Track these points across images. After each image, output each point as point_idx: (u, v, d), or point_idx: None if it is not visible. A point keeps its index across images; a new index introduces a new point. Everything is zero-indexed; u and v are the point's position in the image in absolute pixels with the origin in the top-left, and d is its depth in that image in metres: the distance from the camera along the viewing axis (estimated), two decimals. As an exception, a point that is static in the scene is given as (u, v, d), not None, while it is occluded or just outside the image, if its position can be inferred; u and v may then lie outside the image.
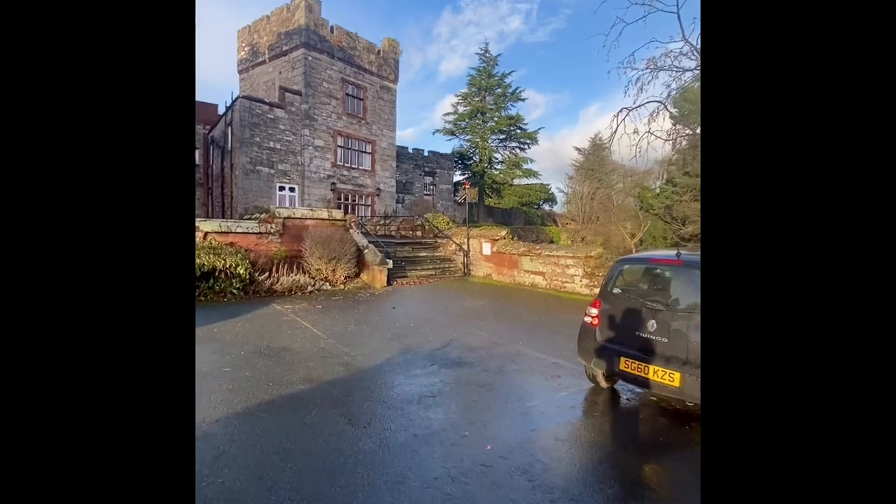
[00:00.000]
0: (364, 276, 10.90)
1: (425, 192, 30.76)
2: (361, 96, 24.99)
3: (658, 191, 32.20)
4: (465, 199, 24.21)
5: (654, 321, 3.66)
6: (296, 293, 9.25)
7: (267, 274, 9.24)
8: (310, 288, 9.51)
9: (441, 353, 5.39)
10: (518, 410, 3.80)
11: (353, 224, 11.68)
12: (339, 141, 24.05)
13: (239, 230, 9.76)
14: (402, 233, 17.00)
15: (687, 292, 3.61)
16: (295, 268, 9.96)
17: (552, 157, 60.77)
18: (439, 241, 14.80)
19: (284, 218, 10.49)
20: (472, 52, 76.87)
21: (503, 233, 12.50)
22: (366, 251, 10.84)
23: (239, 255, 8.80)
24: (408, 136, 79.24)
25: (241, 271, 8.55)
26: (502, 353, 5.47)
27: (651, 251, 4.88)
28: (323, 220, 11.15)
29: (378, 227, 18.01)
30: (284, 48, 23.19)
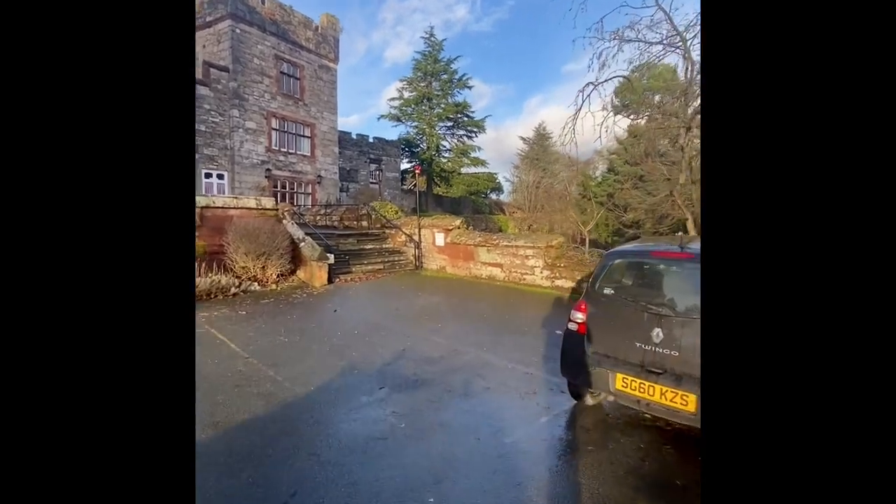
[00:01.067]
0: (301, 274, 9.58)
1: (371, 180, 29.26)
2: (298, 75, 22.97)
3: (600, 179, 33.01)
4: (415, 185, 23.12)
5: (659, 329, 2.93)
6: (216, 296, 7.80)
7: (178, 275, 7.69)
8: (234, 290, 8.08)
9: (392, 370, 4.41)
10: (495, 452, 2.93)
11: (286, 214, 10.25)
12: (274, 123, 21.97)
13: (143, 222, 8.08)
14: (346, 223, 15.64)
15: (697, 293, 2.90)
16: (216, 266, 8.46)
17: (497, 147, 61.01)
18: (387, 231, 13.65)
19: (202, 207, 8.90)
20: (418, 39, 74.79)
21: (457, 222, 11.61)
22: (302, 245, 9.50)
23: (141, 252, 7.21)
24: (352, 122, 76.09)
25: (144, 273, 6.98)
26: (466, 365, 4.60)
27: (644, 243, 4.18)
28: (250, 209, 9.64)
29: (318, 218, 16.50)
30: (208, 18, 20.65)
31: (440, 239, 11.72)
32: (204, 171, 19.46)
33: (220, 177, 20.06)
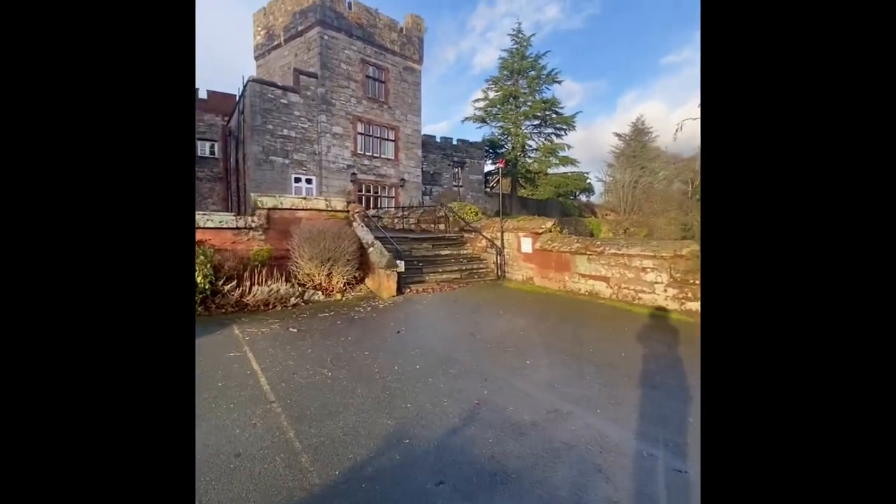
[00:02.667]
0: (369, 283, 8.57)
1: (454, 183, 28.37)
2: (383, 78, 22.81)
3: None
4: (497, 182, 21.70)
5: None
6: (274, 307, 7.02)
7: (235, 282, 7.06)
8: (294, 300, 7.26)
9: (459, 446, 2.93)
10: None
11: (356, 216, 9.35)
12: (360, 127, 21.98)
13: (210, 225, 7.65)
14: (423, 226, 14.60)
15: None
16: (277, 272, 7.75)
17: (588, 147, 57.07)
18: (466, 235, 12.28)
19: (269, 209, 8.30)
20: (506, 40, 73.21)
21: (548, 224, 9.78)
22: (371, 250, 8.49)
23: (200, 257, 6.67)
24: (441, 128, 76.96)
25: (199, 279, 6.40)
26: (572, 443, 2.96)
27: None
28: (319, 210, 8.90)
29: (396, 221, 15.72)
30: (300, 28, 21.30)
31: (527, 245, 10.03)
32: (294, 176, 19.94)
33: (309, 181, 20.44)
